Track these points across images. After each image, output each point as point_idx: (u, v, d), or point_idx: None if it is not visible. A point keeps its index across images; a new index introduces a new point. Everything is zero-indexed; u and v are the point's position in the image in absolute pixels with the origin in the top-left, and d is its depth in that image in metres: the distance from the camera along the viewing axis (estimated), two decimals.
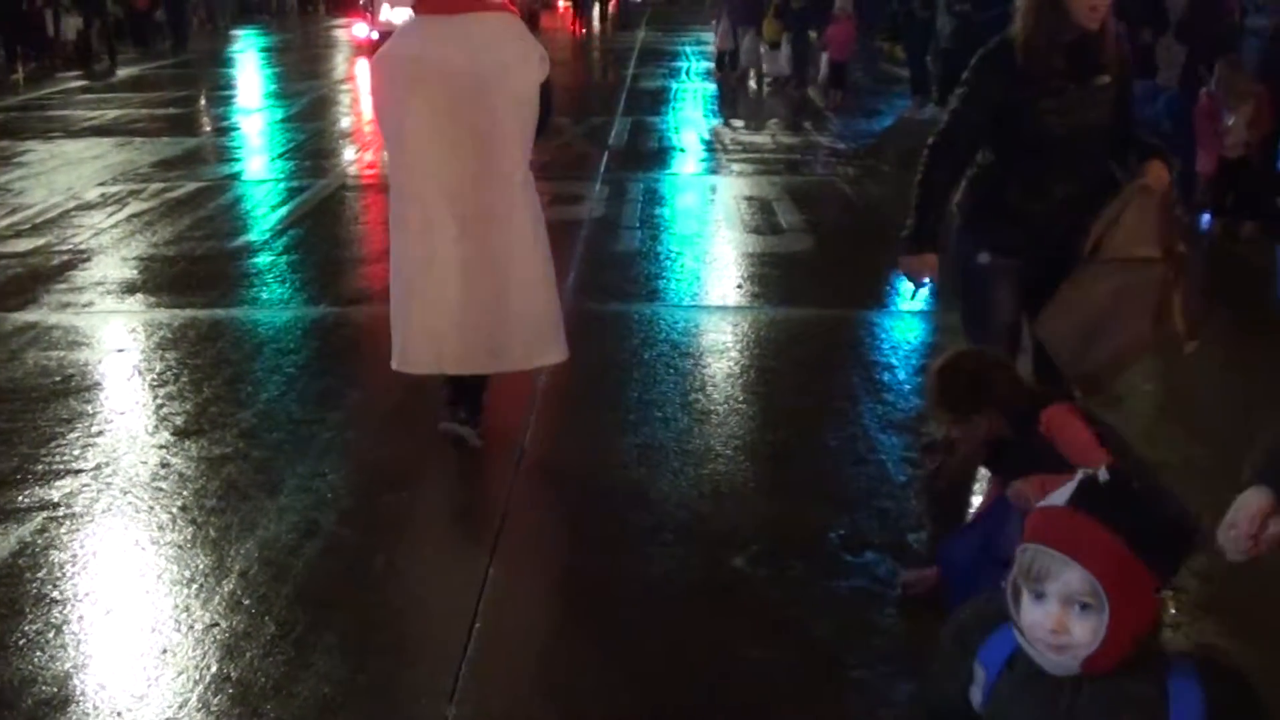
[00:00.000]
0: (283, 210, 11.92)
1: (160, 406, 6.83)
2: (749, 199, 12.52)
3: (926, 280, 4.96)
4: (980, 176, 4.89)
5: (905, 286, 5.16)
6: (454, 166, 5.86)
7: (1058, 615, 2.07)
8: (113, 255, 10.14)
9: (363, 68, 26.01)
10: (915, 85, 19.33)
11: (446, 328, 5.98)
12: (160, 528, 5.38)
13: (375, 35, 27.43)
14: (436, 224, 5.91)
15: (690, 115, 19.38)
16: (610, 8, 43.71)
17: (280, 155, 15.31)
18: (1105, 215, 4.65)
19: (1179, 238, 4.87)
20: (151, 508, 5.56)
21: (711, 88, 22.46)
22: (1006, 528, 3.95)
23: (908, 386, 7.11)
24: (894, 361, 7.57)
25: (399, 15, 28.28)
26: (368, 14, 29.23)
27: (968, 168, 4.89)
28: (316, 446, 6.29)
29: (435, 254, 5.93)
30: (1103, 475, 2.13)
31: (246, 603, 4.77)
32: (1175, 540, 2.17)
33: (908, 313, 8.59)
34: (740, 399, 6.89)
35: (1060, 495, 2.15)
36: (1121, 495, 2.12)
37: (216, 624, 4.62)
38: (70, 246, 10.43)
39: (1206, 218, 10.80)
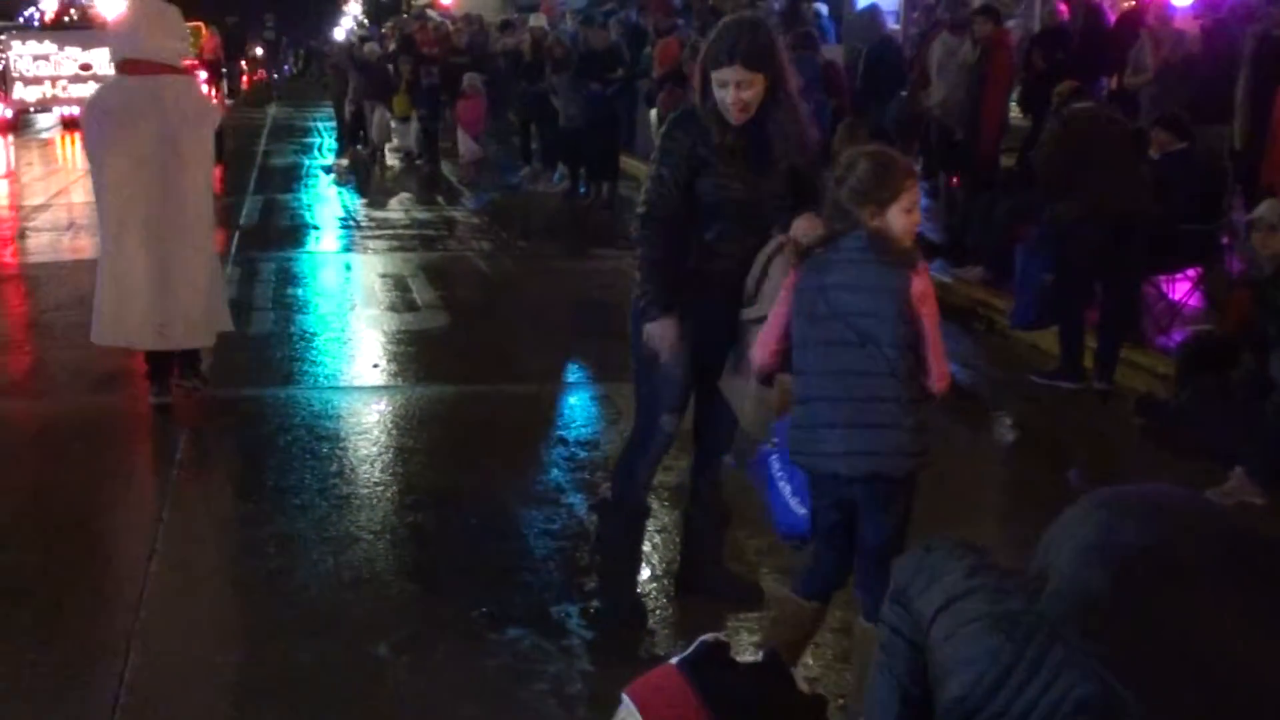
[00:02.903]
0: None
1: None
2: (384, 276, 12.49)
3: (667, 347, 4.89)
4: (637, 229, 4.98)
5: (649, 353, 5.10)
6: (147, 193, 7.61)
7: None
8: None
9: None
10: (546, 159, 19.68)
11: (140, 316, 7.69)
12: None
13: (9, 113, 28.53)
14: (130, 235, 7.65)
15: (323, 192, 19.23)
16: (241, 83, 43.05)
17: None
18: (755, 267, 4.80)
19: None
20: None
21: (344, 163, 22.29)
22: None
23: (545, 459, 7.21)
24: (531, 435, 7.66)
25: (32, 94, 29.14)
26: (1, 93, 29.27)
27: (683, 228, 4.88)
28: None
29: (128, 257, 7.64)
30: (758, 656, 1.99)
31: None
32: None
33: (543, 386, 8.73)
34: (379, 481, 6.84)
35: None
36: (736, 682, 1.98)
37: None
38: None
39: None
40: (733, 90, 4.70)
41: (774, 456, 4.57)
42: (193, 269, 7.82)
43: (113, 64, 8.18)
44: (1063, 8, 13.16)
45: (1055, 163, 8.60)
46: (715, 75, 4.72)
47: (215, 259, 8.24)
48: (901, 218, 4.16)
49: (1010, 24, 13.91)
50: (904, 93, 14.84)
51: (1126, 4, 12.40)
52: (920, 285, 4.07)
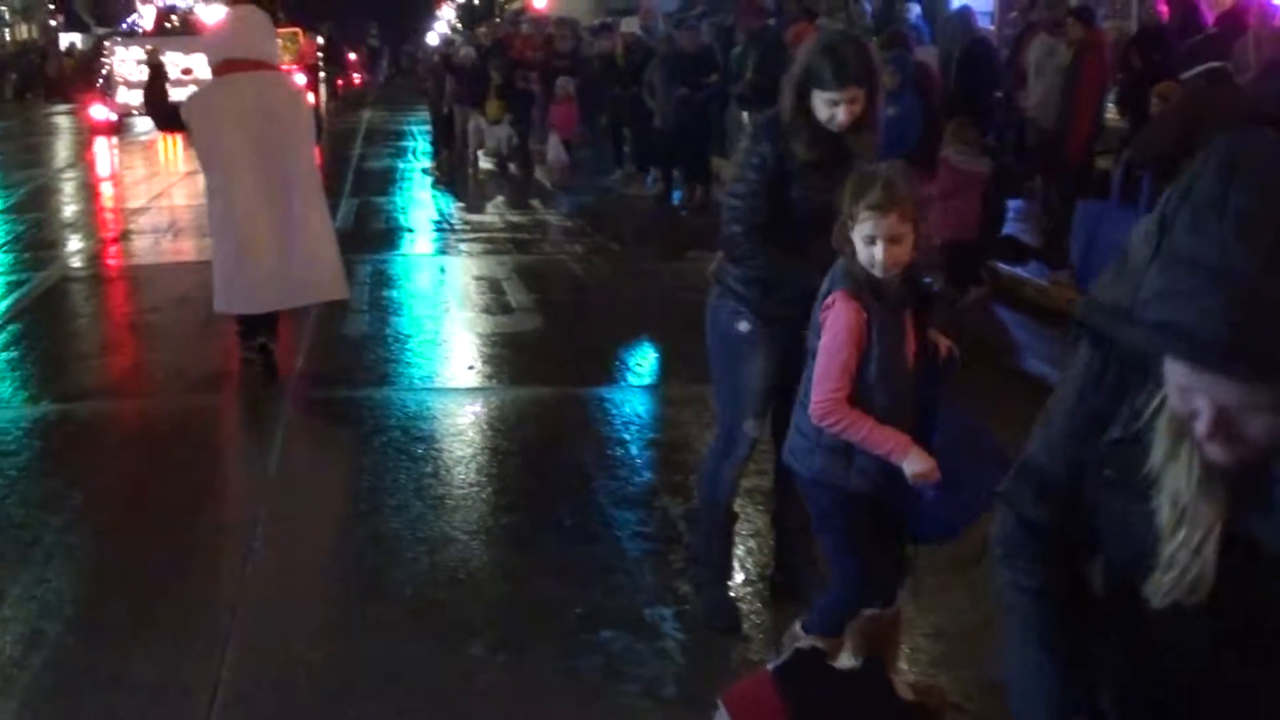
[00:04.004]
0: (1, 305, 11.48)
1: None
2: (478, 279, 12.58)
3: None
4: (738, 245, 5.04)
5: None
6: (261, 164, 8.39)
7: None
8: None
9: (101, 147, 26.59)
10: (640, 162, 19.72)
11: (267, 278, 8.46)
12: None
13: (114, 117, 29.75)
14: (251, 206, 8.40)
15: (418, 195, 19.39)
16: (337, 86, 43.53)
17: None
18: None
19: None
20: None
21: (438, 167, 22.43)
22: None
23: (639, 461, 7.25)
24: (625, 437, 7.69)
25: (135, 98, 29.56)
26: (106, 97, 30.49)
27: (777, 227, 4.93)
28: (40, 552, 6.05)
29: (257, 229, 8.42)
30: (845, 662, 2.06)
31: None
32: None
33: (636, 388, 8.76)
34: (474, 482, 6.91)
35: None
36: (826, 691, 2.00)
37: None
38: None
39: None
40: (845, 108, 4.74)
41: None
42: (313, 225, 8.63)
43: (211, 67, 8.81)
44: (1163, 8, 12.99)
45: (1168, 129, 8.24)
46: (824, 95, 4.73)
47: (329, 219, 9.01)
48: (860, 245, 4.12)
49: (1104, 24, 13.73)
50: (999, 94, 14.69)
51: (1223, 4, 12.16)
52: (826, 303, 4.16)
